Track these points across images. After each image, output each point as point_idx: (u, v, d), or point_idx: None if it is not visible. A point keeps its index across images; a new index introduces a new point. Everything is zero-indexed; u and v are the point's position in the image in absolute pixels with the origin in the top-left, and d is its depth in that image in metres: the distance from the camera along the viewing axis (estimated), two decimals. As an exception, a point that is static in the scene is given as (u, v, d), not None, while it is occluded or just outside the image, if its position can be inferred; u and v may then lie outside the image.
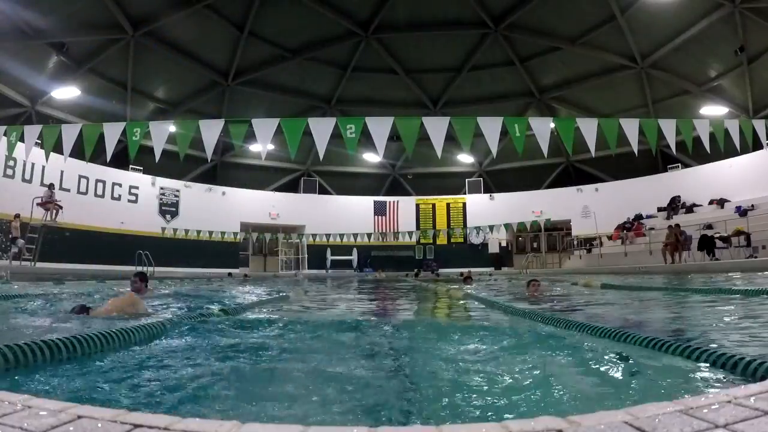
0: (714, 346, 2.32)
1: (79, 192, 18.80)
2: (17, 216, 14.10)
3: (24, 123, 15.13)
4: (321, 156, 5.80)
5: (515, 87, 24.17)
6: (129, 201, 21.10)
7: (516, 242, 27.55)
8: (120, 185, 20.76)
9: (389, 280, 18.12)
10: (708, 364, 2.05)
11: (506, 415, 1.53)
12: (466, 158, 26.55)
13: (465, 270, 17.38)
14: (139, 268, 16.12)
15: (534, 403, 1.70)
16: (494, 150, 5.85)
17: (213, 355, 2.72)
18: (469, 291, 8.84)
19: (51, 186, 15.52)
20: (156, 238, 20.39)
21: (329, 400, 1.76)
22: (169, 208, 22.58)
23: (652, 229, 19.48)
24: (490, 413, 1.61)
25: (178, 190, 23.00)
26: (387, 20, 21.63)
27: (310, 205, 26.23)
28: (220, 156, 25.03)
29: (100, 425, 0.86)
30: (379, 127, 5.65)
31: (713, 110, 19.24)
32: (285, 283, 15.04)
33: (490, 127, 5.64)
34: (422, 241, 27.06)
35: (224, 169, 25.69)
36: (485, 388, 1.93)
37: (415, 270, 23.96)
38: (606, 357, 2.42)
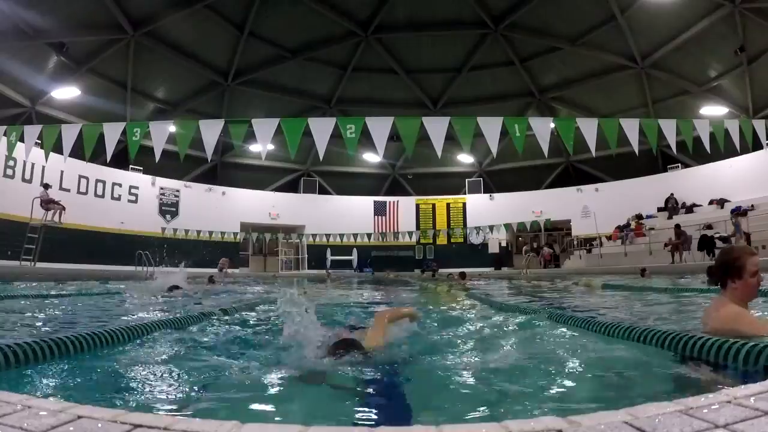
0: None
1: (79, 192, 18.78)
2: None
3: (24, 123, 15.13)
4: (321, 156, 5.79)
5: (515, 87, 24.16)
6: (129, 201, 21.09)
7: (516, 242, 27.54)
8: (120, 185, 20.75)
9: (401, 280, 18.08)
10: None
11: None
12: (466, 158, 26.54)
13: (459, 270, 17.38)
14: (139, 268, 16.13)
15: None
16: (494, 150, 5.85)
17: (214, 354, 2.72)
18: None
19: (46, 185, 15.44)
20: (156, 238, 20.37)
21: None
22: (169, 208, 22.57)
23: (652, 229, 19.49)
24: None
25: (178, 190, 22.99)
26: (387, 20, 21.63)
27: (310, 205, 26.22)
28: (220, 156, 25.03)
29: (100, 425, 0.86)
30: (379, 127, 5.64)
31: (713, 110, 19.23)
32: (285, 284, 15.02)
33: (490, 127, 5.63)
34: (422, 241, 27.05)
35: (224, 169, 25.69)
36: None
37: (423, 268, 24.25)
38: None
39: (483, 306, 6.07)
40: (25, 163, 16.17)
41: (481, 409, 1.69)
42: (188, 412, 1.55)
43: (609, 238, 21.54)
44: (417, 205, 27.54)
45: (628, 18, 18.92)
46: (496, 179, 27.34)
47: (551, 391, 1.88)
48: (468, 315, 5.20)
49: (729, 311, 2.56)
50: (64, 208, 15.24)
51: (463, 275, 13.21)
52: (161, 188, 22.41)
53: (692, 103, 20.25)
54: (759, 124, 6.61)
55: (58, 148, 6.09)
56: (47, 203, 14.82)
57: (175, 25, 19.25)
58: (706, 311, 2.86)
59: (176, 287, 7.96)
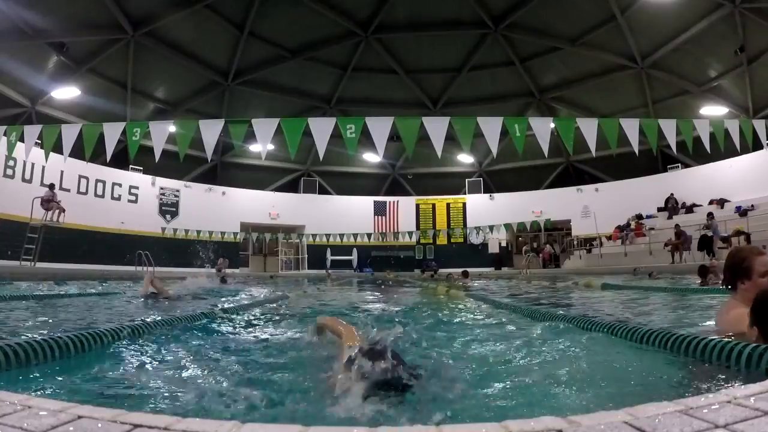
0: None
1: (79, 192, 18.78)
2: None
3: (24, 123, 15.13)
4: (321, 156, 5.79)
5: (515, 87, 24.16)
6: (129, 201, 21.09)
7: (516, 242, 27.54)
8: (120, 185, 20.75)
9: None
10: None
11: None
12: (466, 158, 26.55)
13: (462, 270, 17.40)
14: (140, 269, 16.13)
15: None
16: (494, 150, 5.85)
17: (213, 354, 2.72)
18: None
19: (51, 186, 15.53)
20: (156, 238, 20.38)
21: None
22: (169, 208, 22.57)
23: (652, 229, 19.48)
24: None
25: (178, 190, 22.99)
26: (387, 20, 21.63)
27: (310, 205, 26.22)
28: (220, 156, 25.03)
29: (100, 425, 0.86)
30: (379, 127, 5.64)
31: (713, 110, 19.23)
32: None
33: (490, 127, 5.63)
34: (422, 241, 27.05)
35: (224, 169, 25.69)
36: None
37: (423, 268, 24.32)
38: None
39: (485, 306, 6.07)
40: (25, 163, 16.17)
41: (481, 408, 1.69)
42: (188, 412, 1.55)
43: (609, 238, 21.54)
44: (417, 205, 27.54)
45: (628, 18, 18.92)
46: (496, 179, 27.34)
47: (552, 392, 1.88)
48: (466, 315, 5.21)
49: (738, 313, 2.53)
50: (63, 210, 15.26)
51: (466, 274, 13.31)
52: (161, 188, 22.41)
53: (692, 103, 20.25)
54: (759, 124, 6.61)
55: (58, 148, 6.10)
56: (48, 203, 14.84)
57: (175, 25, 19.25)
58: (717, 313, 2.84)
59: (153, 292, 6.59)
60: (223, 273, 14.43)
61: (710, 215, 15.88)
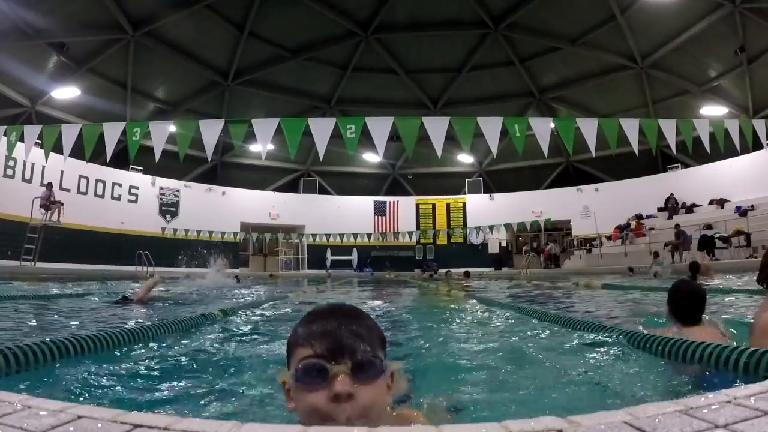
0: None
1: (79, 192, 18.78)
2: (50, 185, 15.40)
3: (24, 123, 15.12)
4: (321, 156, 5.79)
5: (515, 87, 24.16)
6: (129, 201, 21.09)
7: (516, 242, 27.54)
8: (120, 185, 20.74)
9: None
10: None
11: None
12: (466, 158, 26.54)
13: (464, 270, 17.39)
14: (140, 269, 16.14)
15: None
16: (494, 150, 5.85)
17: (212, 354, 2.73)
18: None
19: (49, 185, 15.49)
20: (156, 238, 20.38)
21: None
22: (169, 208, 22.57)
23: (652, 229, 19.48)
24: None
25: (178, 190, 22.99)
26: (387, 20, 21.63)
27: (310, 205, 26.22)
28: (220, 156, 25.02)
29: (100, 425, 0.86)
30: (379, 127, 5.64)
31: (713, 110, 19.22)
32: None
33: (490, 127, 5.63)
34: (422, 241, 27.04)
35: (224, 169, 25.69)
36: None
37: (423, 268, 24.32)
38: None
39: (482, 306, 6.07)
40: (25, 163, 16.17)
41: (481, 408, 1.69)
42: (188, 412, 1.55)
43: (609, 238, 21.53)
44: (417, 205, 27.53)
45: (628, 18, 18.92)
46: (496, 179, 27.33)
47: (552, 391, 1.88)
48: (464, 314, 5.20)
49: None
50: (62, 204, 15.25)
51: (467, 274, 13.39)
52: (161, 188, 22.41)
53: (692, 103, 20.25)
54: (759, 124, 6.61)
55: (58, 148, 6.09)
56: (47, 206, 14.82)
57: (175, 25, 19.25)
58: (755, 314, 2.75)
59: (125, 298, 6.09)
60: (222, 272, 14.44)
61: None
